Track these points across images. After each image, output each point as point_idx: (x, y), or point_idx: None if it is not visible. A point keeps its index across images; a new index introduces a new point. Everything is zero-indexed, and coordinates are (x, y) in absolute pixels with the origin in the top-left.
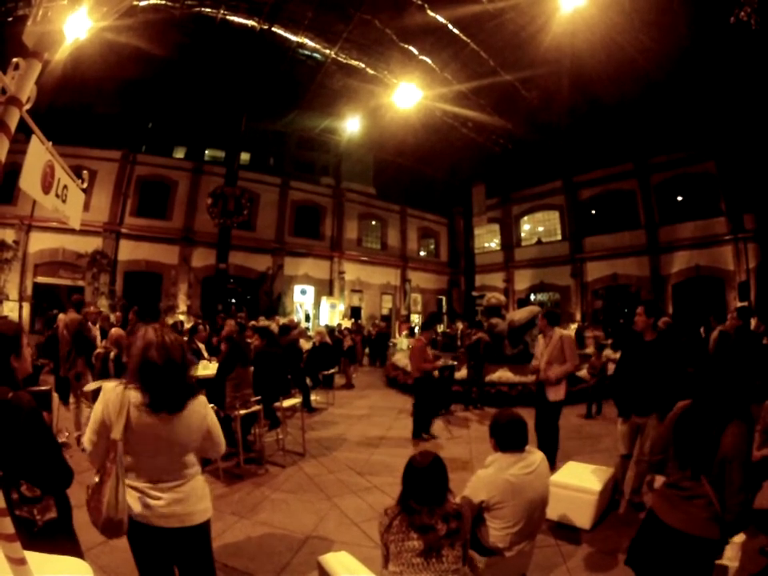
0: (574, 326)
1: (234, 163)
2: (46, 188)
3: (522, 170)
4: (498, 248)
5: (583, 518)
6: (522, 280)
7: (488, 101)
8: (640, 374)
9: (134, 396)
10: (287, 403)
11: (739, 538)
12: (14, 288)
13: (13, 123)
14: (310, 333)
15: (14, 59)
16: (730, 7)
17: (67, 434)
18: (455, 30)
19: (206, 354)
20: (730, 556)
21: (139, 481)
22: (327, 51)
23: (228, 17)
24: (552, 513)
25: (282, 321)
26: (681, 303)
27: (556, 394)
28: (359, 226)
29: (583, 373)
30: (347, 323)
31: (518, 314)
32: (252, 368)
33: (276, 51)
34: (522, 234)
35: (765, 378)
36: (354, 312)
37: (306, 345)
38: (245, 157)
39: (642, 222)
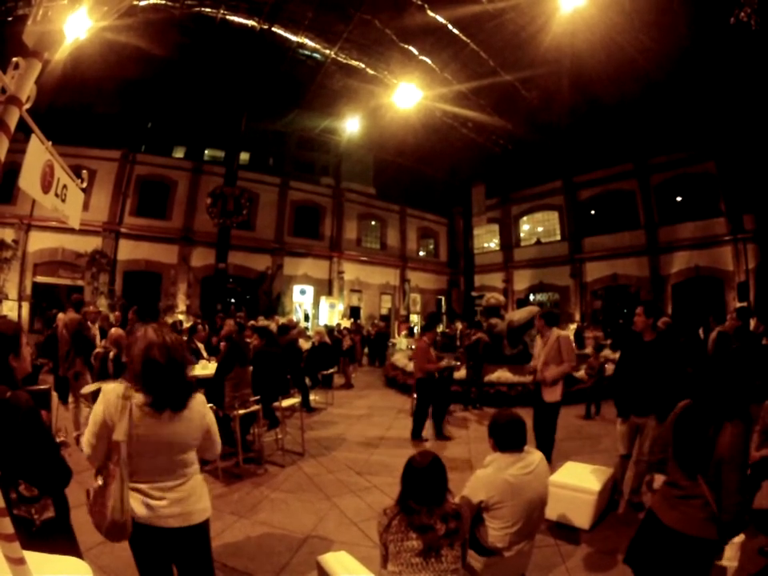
0: (573, 327)
1: (234, 163)
2: (46, 187)
3: (521, 170)
4: (498, 248)
5: (582, 518)
6: (522, 280)
7: (488, 101)
8: (639, 374)
9: (136, 396)
10: (286, 403)
11: (738, 538)
12: (13, 287)
13: (12, 122)
14: (310, 333)
15: (14, 59)
16: (730, 8)
17: (66, 433)
18: (455, 31)
19: (205, 354)
20: (730, 556)
21: (141, 482)
22: (327, 51)
23: (228, 17)
24: (551, 513)
25: (282, 320)
26: (680, 303)
27: (552, 395)
28: (359, 226)
29: (581, 373)
30: (346, 323)
31: (518, 314)
32: (251, 368)
33: (276, 51)
34: (522, 234)
35: (764, 378)
36: (354, 312)
37: (305, 345)
38: (244, 157)
39: (642, 222)
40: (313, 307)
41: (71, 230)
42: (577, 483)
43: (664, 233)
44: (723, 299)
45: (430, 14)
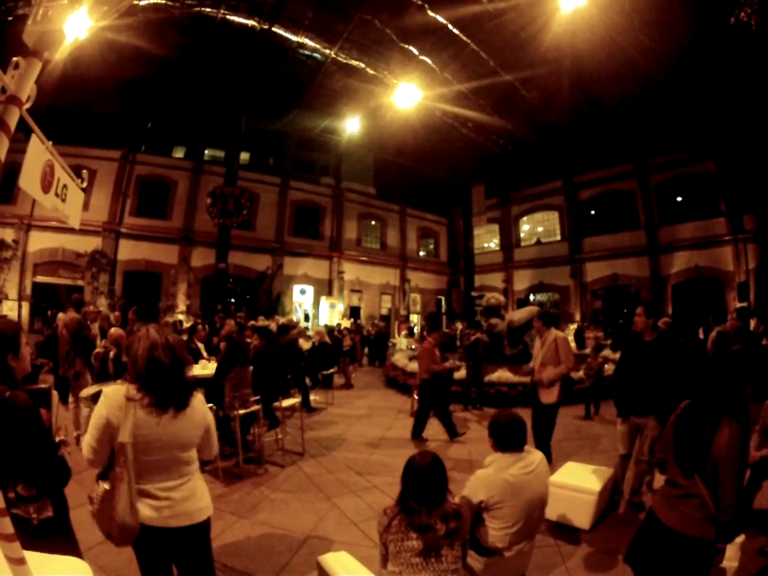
0: (573, 327)
1: (234, 163)
2: (46, 187)
3: (521, 170)
4: (498, 248)
5: (582, 518)
6: (522, 280)
7: (488, 101)
8: (639, 374)
9: (139, 396)
10: (286, 403)
11: (739, 538)
12: (13, 287)
13: (13, 122)
14: (310, 333)
15: (14, 58)
16: (730, 8)
17: (66, 432)
18: (455, 31)
19: (205, 354)
20: (730, 556)
21: (145, 483)
22: (327, 51)
23: (228, 17)
24: (551, 513)
25: (282, 320)
26: (680, 304)
27: (549, 396)
28: (359, 225)
29: (580, 374)
30: (346, 323)
31: (518, 315)
32: (251, 368)
33: (276, 51)
34: (522, 235)
35: (765, 379)
36: (354, 312)
37: (305, 344)
38: (244, 157)
39: (642, 222)
40: (313, 307)
41: (71, 230)
42: (577, 483)
43: (664, 233)
44: (723, 299)
45: (430, 14)
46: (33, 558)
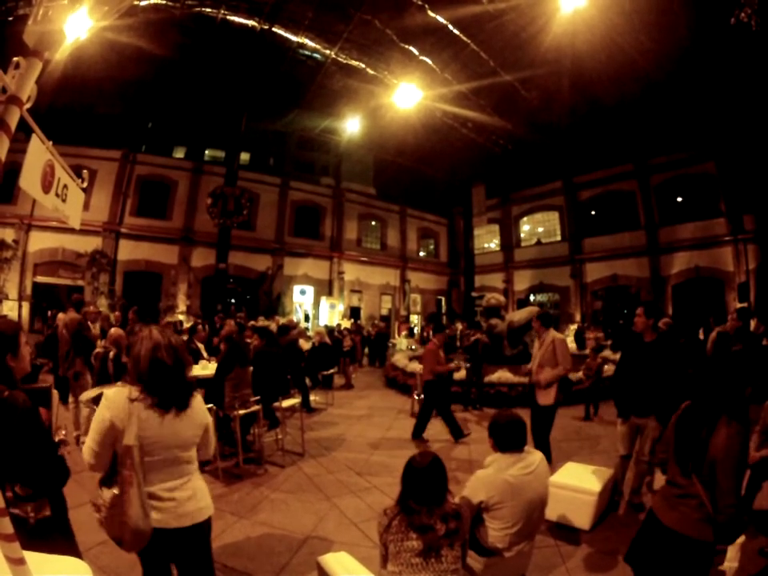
0: (573, 327)
1: (234, 163)
2: (46, 187)
3: (521, 170)
4: (498, 248)
5: (582, 519)
6: (522, 281)
7: (488, 101)
8: (640, 374)
9: (142, 397)
10: (286, 403)
11: (739, 538)
12: (13, 287)
13: (13, 122)
14: (310, 333)
15: (15, 58)
16: (731, 8)
17: (65, 431)
18: (455, 31)
19: (205, 354)
20: (730, 557)
21: (150, 485)
22: (327, 51)
23: (228, 17)
24: (551, 513)
25: (282, 321)
26: (681, 304)
27: (545, 398)
28: (359, 226)
29: (579, 374)
30: (346, 323)
31: (518, 315)
32: (251, 368)
33: (276, 51)
34: (522, 235)
35: (765, 379)
36: (354, 312)
37: (305, 345)
38: (245, 157)
39: (642, 222)
40: (313, 307)
41: (71, 230)
42: (577, 484)
43: (664, 233)
44: (723, 300)
45: (431, 14)
46: (32, 558)
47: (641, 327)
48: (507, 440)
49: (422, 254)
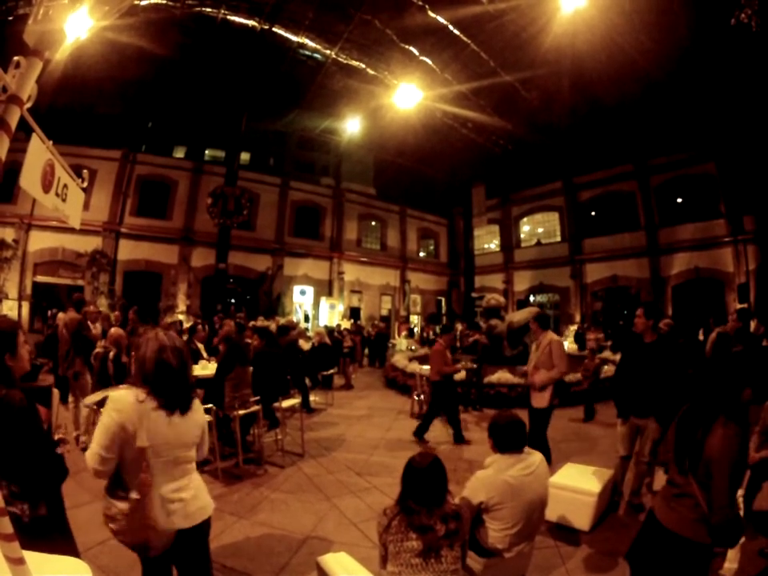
0: (573, 328)
1: (234, 163)
2: (46, 187)
3: (521, 171)
4: (498, 249)
5: (582, 520)
6: (522, 281)
7: (488, 101)
8: (639, 375)
9: (150, 399)
10: (286, 404)
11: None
12: (13, 287)
13: (13, 122)
14: (310, 333)
15: (15, 58)
16: (731, 9)
17: (65, 430)
18: (456, 31)
19: (204, 355)
20: (731, 558)
21: (159, 487)
22: (328, 51)
23: (229, 17)
24: (551, 514)
25: (282, 321)
26: (680, 305)
27: (540, 400)
28: (359, 226)
29: (578, 375)
30: (346, 324)
31: (518, 316)
32: (251, 368)
33: (276, 51)
34: (522, 235)
35: (765, 380)
36: (354, 313)
37: (305, 345)
38: (245, 157)
39: (642, 223)
40: (313, 308)
41: (71, 230)
42: (577, 485)
43: (664, 234)
44: (723, 301)
45: (431, 14)
46: (32, 558)
47: (641, 328)
48: (507, 441)
49: (421, 254)
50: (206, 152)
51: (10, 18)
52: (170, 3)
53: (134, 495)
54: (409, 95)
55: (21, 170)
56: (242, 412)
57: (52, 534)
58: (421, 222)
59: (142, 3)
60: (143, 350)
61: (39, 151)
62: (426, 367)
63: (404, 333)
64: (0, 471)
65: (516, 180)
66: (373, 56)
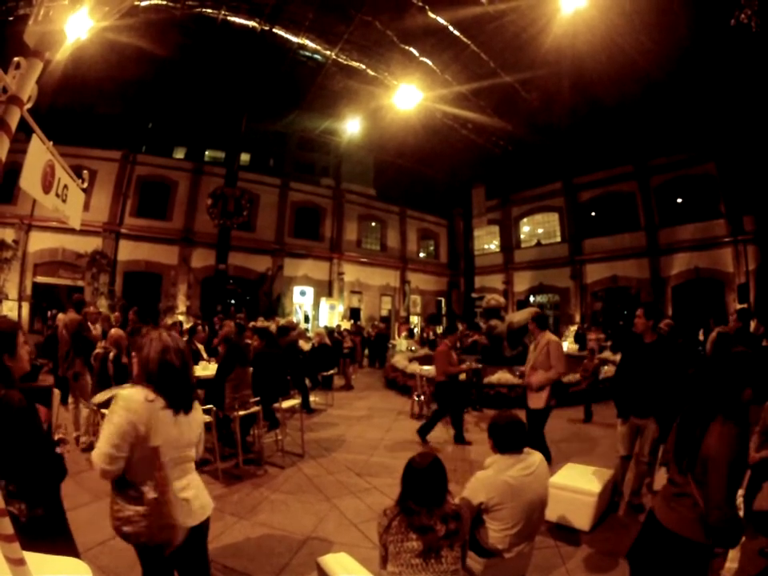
0: (573, 328)
1: (234, 164)
2: (47, 187)
3: (521, 171)
4: (498, 249)
5: (582, 520)
6: (522, 282)
7: (488, 102)
8: (640, 376)
9: (158, 399)
10: (286, 404)
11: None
12: (13, 287)
13: (13, 122)
14: (310, 334)
15: (15, 58)
16: (731, 9)
17: (65, 430)
18: (456, 32)
19: (204, 355)
20: (732, 557)
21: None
22: (328, 52)
23: (229, 18)
24: (551, 514)
25: (282, 322)
26: (680, 305)
27: (537, 401)
28: (359, 227)
29: (577, 375)
30: (346, 324)
31: (518, 316)
32: (251, 369)
33: (277, 52)
34: (522, 236)
35: (765, 380)
36: (354, 313)
37: (305, 346)
38: (245, 157)
39: (642, 223)
40: (313, 308)
41: (71, 231)
42: (577, 485)
43: (664, 234)
44: (723, 301)
45: (431, 15)
46: (32, 558)
47: (641, 328)
48: (507, 441)
49: (421, 255)
50: (206, 153)
51: (11, 19)
52: (171, 4)
53: (151, 495)
54: (409, 96)
55: (21, 170)
56: (242, 413)
57: (50, 534)
58: (421, 223)
59: (143, 4)
60: (146, 351)
61: (39, 152)
62: (427, 368)
63: (404, 333)
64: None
65: (516, 181)
66: (373, 57)
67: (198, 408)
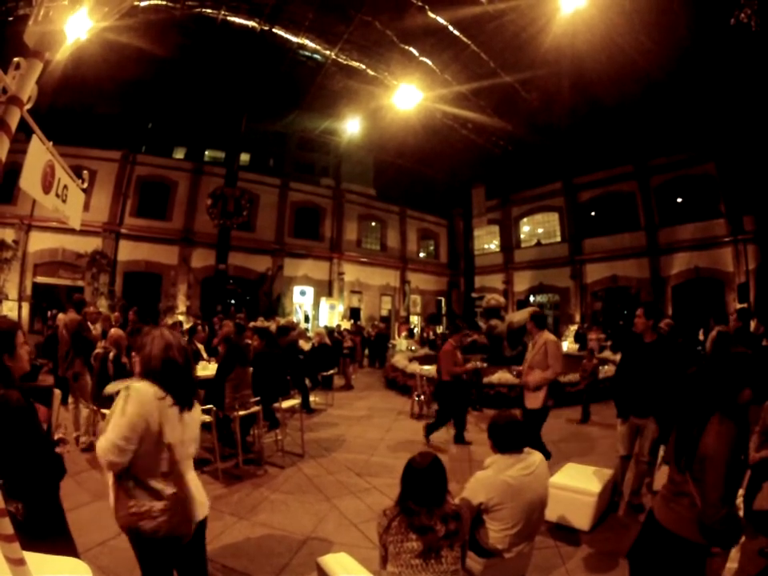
0: (573, 328)
1: (234, 164)
2: (47, 188)
3: (521, 171)
4: (498, 249)
5: (582, 520)
6: (522, 281)
7: (488, 102)
8: (639, 375)
9: (168, 397)
10: (286, 404)
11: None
12: (13, 288)
13: (13, 123)
14: (310, 334)
15: (15, 59)
16: (730, 9)
17: (65, 430)
18: (456, 32)
19: (204, 355)
20: (731, 557)
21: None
22: (328, 52)
23: (229, 18)
24: (551, 514)
25: (282, 322)
26: (680, 305)
27: (533, 401)
28: (359, 227)
29: (576, 376)
30: (346, 324)
31: (517, 316)
32: (251, 369)
33: (276, 52)
34: (522, 236)
35: (765, 380)
36: (354, 313)
37: (305, 346)
38: (245, 158)
39: (642, 223)
40: (313, 308)
41: (71, 231)
42: (577, 485)
43: (664, 234)
44: (723, 301)
45: (431, 15)
46: (32, 558)
47: (641, 328)
48: (506, 441)
49: (421, 254)
50: (206, 153)
51: (10, 19)
52: (170, 4)
53: (170, 490)
54: (409, 96)
55: (21, 170)
56: (242, 413)
57: (49, 534)
58: (421, 223)
59: (142, 4)
60: (149, 348)
61: (39, 152)
62: (427, 367)
63: (404, 333)
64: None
65: (516, 181)
66: (373, 57)
67: (197, 406)
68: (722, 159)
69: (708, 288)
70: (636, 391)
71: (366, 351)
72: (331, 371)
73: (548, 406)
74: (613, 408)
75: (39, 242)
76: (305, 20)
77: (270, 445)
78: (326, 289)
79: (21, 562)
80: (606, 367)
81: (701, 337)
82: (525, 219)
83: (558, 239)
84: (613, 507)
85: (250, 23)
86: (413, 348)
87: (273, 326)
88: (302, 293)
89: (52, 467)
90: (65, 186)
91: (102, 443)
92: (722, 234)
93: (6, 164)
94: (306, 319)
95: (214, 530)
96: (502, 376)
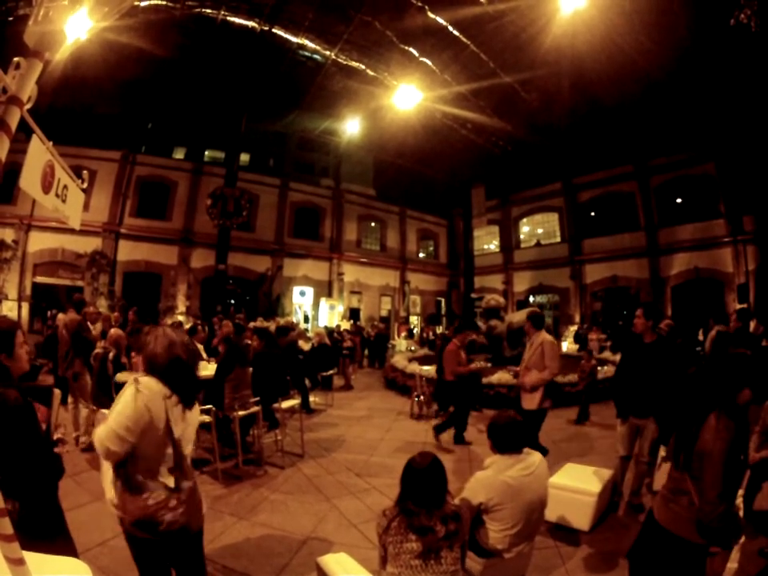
0: (573, 328)
1: (234, 164)
2: (46, 188)
3: (521, 171)
4: (498, 250)
5: (582, 520)
6: (521, 282)
7: (488, 102)
8: (639, 376)
9: (175, 395)
10: (286, 404)
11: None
12: (13, 288)
13: (13, 123)
14: (309, 334)
15: (15, 59)
16: (730, 9)
17: (65, 430)
18: (455, 32)
19: (204, 355)
20: (732, 557)
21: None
22: (327, 52)
23: (229, 18)
24: (551, 514)
25: (281, 322)
26: (680, 305)
27: (530, 402)
28: (359, 227)
29: (575, 376)
30: (346, 324)
31: (517, 316)
32: (251, 369)
33: (276, 52)
34: (522, 236)
35: (764, 380)
36: (353, 313)
37: (304, 346)
38: (244, 158)
39: (642, 223)
40: (312, 309)
41: (71, 231)
42: (576, 485)
43: (664, 234)
44: (723, 301)
45: (431, 15)
46: (32, 558)
47: (640, 328)
48: (506, 441)
49: (421, 255)
50: (206, 153)
51: (10, 19)
52: (170, 4)
53: (186, 484)
54: (408, 96)
55: (21, 170)
56: (241, 413)
57: (47, 533)
58: (420, 223)
59: (142, 4)
60: (152, 347)
61: (39, 152)
62: (426, 368)
63: (404, 333)
64: None
65: (516, 181)
66: (373, 57)
67: (196, 405)
68: (721, 159)
69: (708, 288)
70: (636, 392)
71: (366, 351)
72: (331, 371)
73: (545, 407)
74: (612, 408)
75: (39, 242)
76: (305, 20)
77: (269, 445)
78: (325, 289)
79: (20, 561)
80: (606, 368)
81: (700, 337)
82: (524, 219)
83: (558, 239)
84: (613, 507)
85: (250, 23)
86: (412, 348)
87: (272, 327)
88: (302, 293)
89: (50, 467)
90: (65, 186)
91: (102, 430)
92: (721, 234)
93: (6, 164)
94: (306, 319)
95: (214, 530)
96: (501, 376)
